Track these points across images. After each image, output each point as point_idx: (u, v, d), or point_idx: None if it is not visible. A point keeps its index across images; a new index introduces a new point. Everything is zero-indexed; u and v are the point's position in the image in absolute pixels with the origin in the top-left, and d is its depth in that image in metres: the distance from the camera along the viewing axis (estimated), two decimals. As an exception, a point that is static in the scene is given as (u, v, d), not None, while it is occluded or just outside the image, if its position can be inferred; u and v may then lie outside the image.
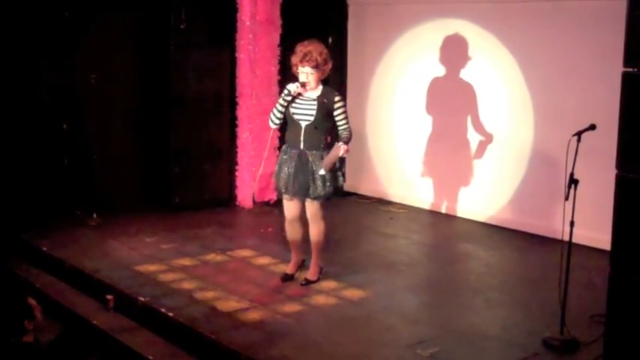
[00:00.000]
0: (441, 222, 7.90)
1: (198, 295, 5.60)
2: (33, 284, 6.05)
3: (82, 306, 5.72)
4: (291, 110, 5.55)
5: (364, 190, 8.88)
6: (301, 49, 5.51)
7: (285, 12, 8.01)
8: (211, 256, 6.45)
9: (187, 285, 5.82)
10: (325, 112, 5.51)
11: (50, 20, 7.38)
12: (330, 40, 8.73)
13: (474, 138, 7.73)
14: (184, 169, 8.02)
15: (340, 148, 5.37)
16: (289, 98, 5.51)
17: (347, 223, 7.80)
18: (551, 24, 7.04)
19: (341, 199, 8.63)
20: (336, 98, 5.54)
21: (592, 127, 4.84)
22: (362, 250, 6.87)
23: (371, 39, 8.69)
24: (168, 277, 6.00)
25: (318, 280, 5.83)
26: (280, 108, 5.55)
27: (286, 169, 5.60)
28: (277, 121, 5.63)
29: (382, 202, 8.55)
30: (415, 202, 8.32)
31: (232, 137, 8.20)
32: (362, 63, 8.82)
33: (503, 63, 7.45)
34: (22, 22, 7.25)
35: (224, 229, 7.37)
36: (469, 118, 7.72)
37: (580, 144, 4.70)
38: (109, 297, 5.67)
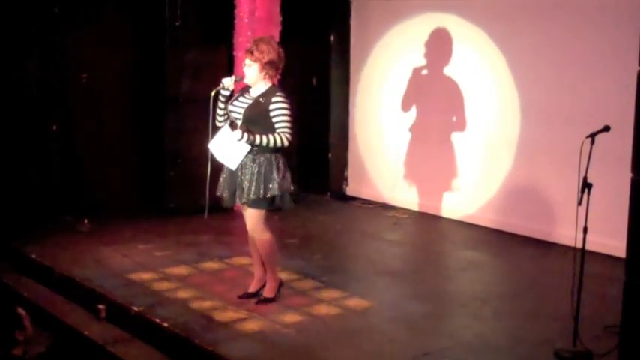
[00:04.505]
0: (447, 228, 7.84)
1: (194, 305, 5.54)
2: (21, 293, 6.01)
3: (73, 316, 5.67)
4: (230, 107, 5.30)
5: (367, 195, 8.82)
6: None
7: (285, 8, 7.93)
8: None
9: (183, 294, 5.76)
10: (259, 111, 5.17)
11: (39, 17, 7.36)
12: (332, 38, 8.64)
13: (481, 141, 7.63)
14: (179, 172, 7.93)
15: (230, 132, 5.14)
16: (227, 92, 5.26)
17: (350, 229, 7.79)
18: (563, 21, 6.94)
19: (344, 204, 8.66)
20: (275, 98, 5.15)
21: (606, 128, 4.77)
22: (365, 257, 6.84)
23: (375, 36, 8.57)
24: (163, 285, 5.95)
25: (276, 297, 5.48)
26: (220, 104, 5.31)
27: (223, 174, 5.42)
28: (220, 119, 5.37)
29: (386, 208, 8.50)
30: (420, 208, 8.25)
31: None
32: (366, 62, 8.72)
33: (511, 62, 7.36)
34: (10, 19, 7.23)
35: (221, 236, 7.29)
36: (478, 120, 7.63)
37: (594, 146, 4.64)
38: (101, 306, 5.60)
